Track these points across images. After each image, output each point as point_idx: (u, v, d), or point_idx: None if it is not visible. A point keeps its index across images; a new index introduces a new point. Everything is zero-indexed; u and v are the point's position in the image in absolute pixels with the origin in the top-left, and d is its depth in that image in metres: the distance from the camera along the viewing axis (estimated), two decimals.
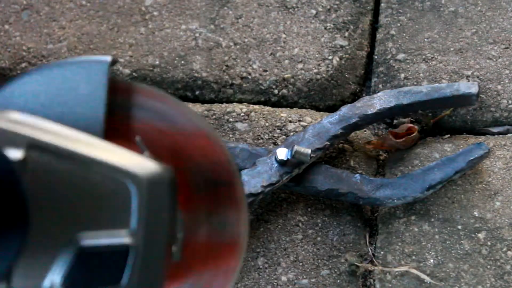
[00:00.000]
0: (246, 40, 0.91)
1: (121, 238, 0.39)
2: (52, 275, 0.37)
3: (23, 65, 0.90)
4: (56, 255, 0.37)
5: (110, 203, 0.39)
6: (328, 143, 0.78)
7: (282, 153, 0.76)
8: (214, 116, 0.85)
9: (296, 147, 0.74)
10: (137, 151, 0.43)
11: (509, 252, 0.73)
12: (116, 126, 0.48)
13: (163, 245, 0.40)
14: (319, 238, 0.77)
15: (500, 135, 0.83)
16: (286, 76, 0.88)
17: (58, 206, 0.38)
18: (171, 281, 0.48)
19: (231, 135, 0.83)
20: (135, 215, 0.39)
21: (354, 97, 0.88)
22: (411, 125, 0.83)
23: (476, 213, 0.76)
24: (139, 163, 0.40)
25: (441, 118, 0.85)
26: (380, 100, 0.80)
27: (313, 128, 0.79)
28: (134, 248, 0.38)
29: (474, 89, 0.79)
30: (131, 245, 0.38)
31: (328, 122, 0.79)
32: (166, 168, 0.41)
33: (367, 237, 0.78)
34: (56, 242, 0.38)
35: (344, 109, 0.80)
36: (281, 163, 0.76)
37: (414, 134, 0.81)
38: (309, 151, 0.75)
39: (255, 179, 0.75)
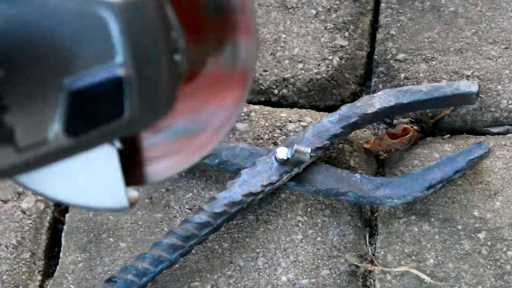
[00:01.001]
0: None
1: (111, 71, 0.36)
2: (53, 125, 0.37)
3: None
4: (50, 104, 0.36)
5: (92, 39, 0.36)
6: (328, 142, 0.78)
7: (282, 153, 0.75)
8: None
9: (296, 146, 0.74)
10: None
11: (509, 252, 0.73)
12: None
13: (159, 67, 0.38)
14: (319, 238, 0.77)
15: (500, 135, 0.83)
16: (286, 76, 0.88)
17: (35, 55, 0.36)
18: (178, 107, 0.45)
19: (231, 135, 0.83)
20: (118, 44, 0.36)
21: (354, 97, 0.88)
22: (406, 125, 0.83)
23: (476, 213, 0.76)
24: None
25: (441, 118, 0.85)
26: (380, 100, 0.80)
27: (313, 128, 0.79)
28: (127, 79, 0.36)
29: (474, 88, 0.79)
30: (123, 77, 0.36)
31: (328, 122, 0.79)
32: None
33: (367, 237, 0.78)
34: (46, 91, 0.36)
35: (344, 109, 0.80)
36: (281, 162, 0.76)
37: (409, 134, 0.81)
38: (309, 150, 0.75)
39: (255, 179, 0.75)
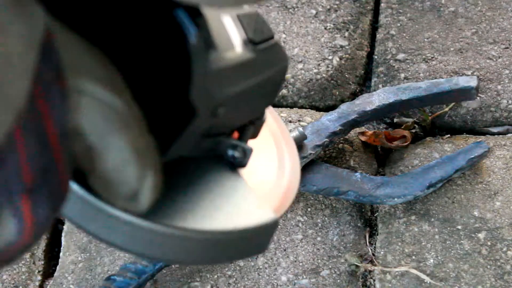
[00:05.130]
0: None
1: None
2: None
3: None
4: None
5: None
6: (327, 140, 0.78)
7: None
8: None
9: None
10: None
11: (509, 252, 0.73)
12: None
13: None
14: (319, 238, 0.77)
15: (500, 135, 0.83)
16: (286, 76, 0.88)
17: None
18: None
19: None
20: None
21: (354, 97, 0.88)
22: (406, 132, 0.83)
23: (476, 213, 0.76)
24: None
25: (440, 115, 0.84)
26: (379, 97, 0.80)
27: (312, 126, 0.79)
28: None
29: (473, 83, 0.79)
30: None
31: (327, 120, 0.79)
32: None
33: (367, 237, 0.77)
34: None
35: (343, 107, 0.80)
36: None
37: (407, 143, 0.82)
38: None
39: None
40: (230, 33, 0.38)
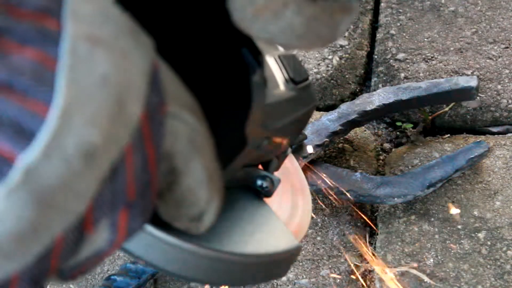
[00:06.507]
0: None
1: None
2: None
3: None
4: None
5: None
6: (327, 139, 0.78)
7: None
8: None
9: None
10: None
11: (509, 252, 0.73)
12: None
13: None
14: (319, 238, 0.77)
15: (500, 135, 0.83)
16: None
17: None
18: None
19: None
20: None
21: (354, 96, 0.88)
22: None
23: (476, 213, 0.76)
24: None
25: (440, 114, 0.84)
26: (379, 97, 0.80)
27: (312, 126, 0.79)
28: None
29: (473, 83, 0.79)
30: None
31: (327, 120, 0.79)
32: None
33: (367, 237, 0.77)
34: None
35: (343, 107, 0.80)
36: None
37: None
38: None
39: None
40: (274, 72, 0.40)
